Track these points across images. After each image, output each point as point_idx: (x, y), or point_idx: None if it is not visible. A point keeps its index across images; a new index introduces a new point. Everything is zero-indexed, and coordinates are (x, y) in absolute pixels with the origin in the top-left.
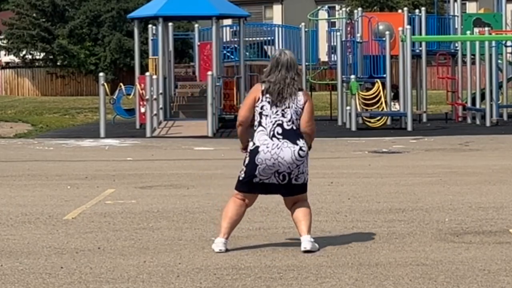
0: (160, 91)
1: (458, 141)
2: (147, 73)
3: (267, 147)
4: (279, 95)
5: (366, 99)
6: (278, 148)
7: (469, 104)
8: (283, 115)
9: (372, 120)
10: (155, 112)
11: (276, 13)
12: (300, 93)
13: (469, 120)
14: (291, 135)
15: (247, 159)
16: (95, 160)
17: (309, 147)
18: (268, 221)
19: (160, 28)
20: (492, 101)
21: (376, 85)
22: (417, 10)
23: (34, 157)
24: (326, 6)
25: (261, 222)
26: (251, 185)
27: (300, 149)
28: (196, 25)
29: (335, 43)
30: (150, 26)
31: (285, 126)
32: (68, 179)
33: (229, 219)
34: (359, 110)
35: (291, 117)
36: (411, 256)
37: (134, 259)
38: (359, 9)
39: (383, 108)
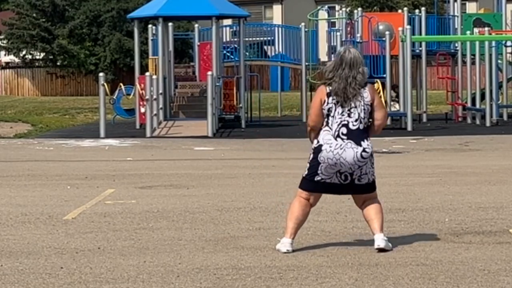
0: (160, 91)
1: (458, 141)
2: (147, 73)
3: (330, 147)
4: (344, 94)
5: None
6: (341, 149)
7: (469, 104)
8: (349, 115)
9: None
10: (155, 112)
11: (276, 13)
12: (366, 89)
13: (469, 120)
14: (357, 135)
15: (311, 156)
16: (95, 160)
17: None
18: (268, 221)
19: (160, 28)
20: (492, 101)
21: (376, 85)
22: (417, 10)
23: (34, 157)
24: (326, 6)
25: (261, 222)
26: (314, 183)
27: (364, 150)
28: (196, 25)
29: (335, 43)
30: (150, 26)
31: (351, 126)
32: (68, 179)
33: (295, 219)
34: None
35: (358, 116)
36: (411, 256)
37: (134, 259)
38: (359, 9)
39: None
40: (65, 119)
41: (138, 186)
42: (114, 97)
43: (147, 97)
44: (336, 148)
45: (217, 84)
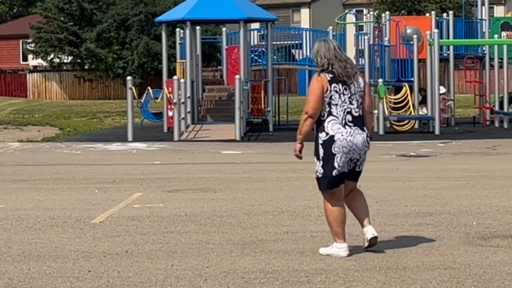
0: (188, 94)
1: (486, 145)
2: (175, 77)
3: (342, 135)
4: (346, 73)
5: (394, 103)
6: (351, 136)
7: (496, 108)
8: (350, 103)
9: (399, 124)
10: (182, 115)
11: (303, 17)
12: (359, 75)
13: (496, 124)
14: (359, 122)
15: (321, 151)
16: (122, 164)
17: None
18: (295, 225)
19: (187, 32)
20: None
21: (404, 89)
22: (444, 14)
23: (62, 160)
24: (354, 10)
25: (288, 226)
26: (334, 179)
27: (367, 135)
28: (223, 29)
29: (362, 47)
30: (177, 29)
31: (354, 113)
32: (96, 183)
33: (341, 223)
34: (386, 114)
35: (357, 103)
36: (439, 259)
37: (162, 262)
38: (387, 13)
39: (410, 112)
40: (93, 122)
41: (166, 189)
42: (142, 101)
43: (174, 100)
44: (348, 136)
45: (245, 87)
